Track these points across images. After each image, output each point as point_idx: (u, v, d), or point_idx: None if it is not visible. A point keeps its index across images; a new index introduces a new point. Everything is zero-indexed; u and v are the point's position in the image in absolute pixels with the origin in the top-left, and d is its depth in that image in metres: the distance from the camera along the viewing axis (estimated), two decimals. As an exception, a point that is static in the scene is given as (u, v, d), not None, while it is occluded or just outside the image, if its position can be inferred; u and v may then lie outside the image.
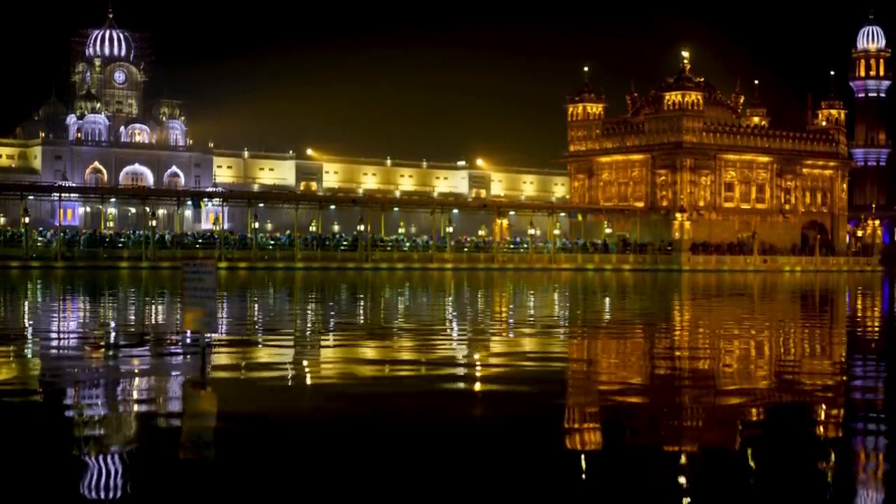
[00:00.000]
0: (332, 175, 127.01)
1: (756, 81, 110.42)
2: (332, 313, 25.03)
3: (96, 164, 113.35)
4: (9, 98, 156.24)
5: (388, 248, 79.53)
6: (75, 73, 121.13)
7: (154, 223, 73.22)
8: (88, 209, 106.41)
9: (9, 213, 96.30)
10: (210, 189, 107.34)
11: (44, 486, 6.94)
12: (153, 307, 26.42)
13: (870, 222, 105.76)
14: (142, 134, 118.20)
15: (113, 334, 18.12)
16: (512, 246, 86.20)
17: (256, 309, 26.49)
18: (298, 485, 7.03)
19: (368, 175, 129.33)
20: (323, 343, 17.06)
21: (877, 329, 22.59)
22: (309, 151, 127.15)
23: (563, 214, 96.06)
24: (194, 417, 9.65)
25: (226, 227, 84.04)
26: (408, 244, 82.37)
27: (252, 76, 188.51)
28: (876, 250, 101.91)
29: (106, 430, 8.82)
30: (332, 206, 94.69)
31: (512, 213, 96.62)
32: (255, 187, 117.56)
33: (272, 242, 78.61)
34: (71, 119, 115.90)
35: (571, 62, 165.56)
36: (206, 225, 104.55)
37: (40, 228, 79.84)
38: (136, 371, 12.69)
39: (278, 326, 20.41)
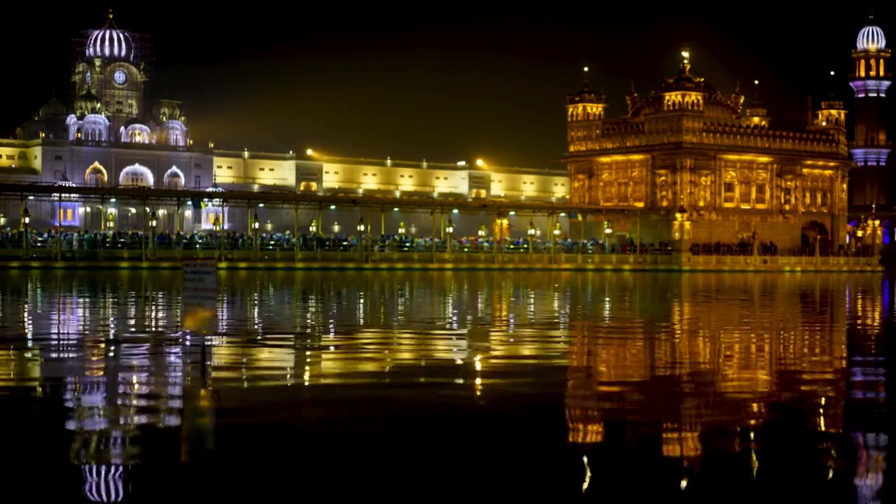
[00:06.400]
0: (332, 175, 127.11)
1: (756, 82, 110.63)
2: (332, 313, 25.02)
3: (96, 164, 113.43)
4: (9, 98, 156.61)
5: (386, 249, 79.54)
6: (75, 74, 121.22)
7: (154, 223, 73.22)
8: (88, 209, 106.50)
9: (9, 213, 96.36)
10: (210, 189, 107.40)
11: (40, 489, 6.93)
12: (153, 308, 26.39)
13: (870, 222, 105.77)
14: (142, 134, 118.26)
15: (112, 335, 18.10)
16: (512, 246, 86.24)
17: (256, 309, 26.48)
18: (299, 486, 7.03)
19: (368, 175, 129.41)
20: (324, 343, 17.03)
21: (877, 329, 22.57)
22: (309, 152, 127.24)
23: (563, 215, 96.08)
24: (194, 419, 9.64)
25: (226, 227, 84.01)
26: (408, 244, 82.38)
27: (252, 77, 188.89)
28: (876, 250, 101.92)
29: (104, 432, 8.81)
30: (332, 207, 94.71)
31: (512, 213, 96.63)
32: (256, 187, 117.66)
33: (272, 244, 78.63)
34: (71, 119, 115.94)
35: (571, 62, 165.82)
36: (206, 225, 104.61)
37: (49, 231, 79.83)
38: (135, 372, 12.67)
39: (278, 326, 20.40)
